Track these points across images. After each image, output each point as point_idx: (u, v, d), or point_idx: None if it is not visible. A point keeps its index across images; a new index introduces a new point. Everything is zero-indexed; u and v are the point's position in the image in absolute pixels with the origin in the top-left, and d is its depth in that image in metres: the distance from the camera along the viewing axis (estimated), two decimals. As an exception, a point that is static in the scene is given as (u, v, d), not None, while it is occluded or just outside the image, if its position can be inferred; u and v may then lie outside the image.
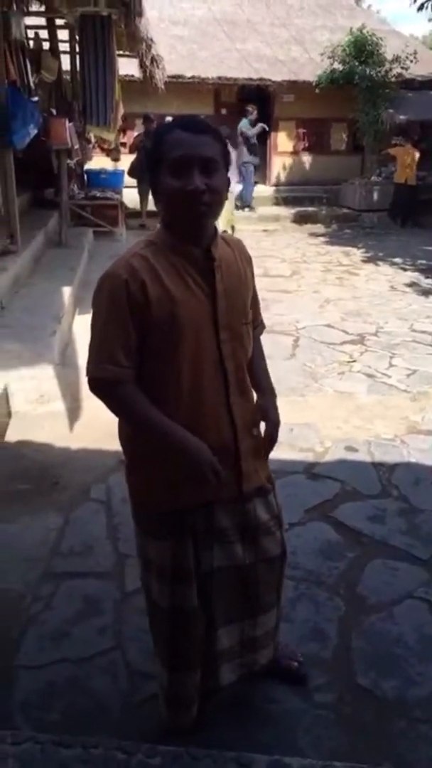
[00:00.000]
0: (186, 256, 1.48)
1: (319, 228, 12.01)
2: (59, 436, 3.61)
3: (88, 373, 1.49)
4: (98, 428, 3.68)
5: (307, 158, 14.05)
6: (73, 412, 3.80)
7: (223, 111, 13.61)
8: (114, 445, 3.40)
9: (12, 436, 3.61)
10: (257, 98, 13.22)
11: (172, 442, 1.48)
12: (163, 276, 1.44)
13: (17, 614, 2.31)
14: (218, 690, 1.80)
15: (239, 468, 1.61)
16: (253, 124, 11.67)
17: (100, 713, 1.93)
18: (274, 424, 1.74)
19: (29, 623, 2.28)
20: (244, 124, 11.63)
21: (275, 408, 1.77)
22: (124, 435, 1.66)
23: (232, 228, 9.27)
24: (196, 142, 1.41)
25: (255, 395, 1.73)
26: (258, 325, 1.77)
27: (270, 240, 10.62)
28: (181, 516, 1.58)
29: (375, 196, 12.67)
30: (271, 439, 1.73)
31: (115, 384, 1.46)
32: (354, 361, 5.12)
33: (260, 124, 11.75)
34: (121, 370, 1.45)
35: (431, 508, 3.05)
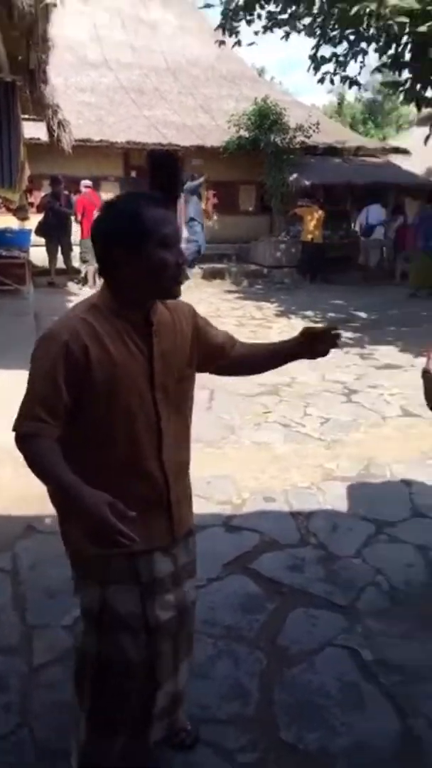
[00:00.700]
0: (128, 321, 1.54)
1: (230, 284, 12.40)
2: (-35, 503, 3.42)
3: (14, 427, 1.49)
4: (6, 495, 3.53)
5: (217, 218, 14.59)
6: (-20, 477, 3.62)
7: (133, 173, 13.98)
8: (23, 510, 3.33)
9: None
10: (167, 162, 13.69)
11: (69, 497, 1.45)
12: (106, 340, 1.49)
13: None
14: (144, 747, 1.73)
15: (171, 515, 1.65)
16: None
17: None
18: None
19: None
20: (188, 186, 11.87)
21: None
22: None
23: None
24: (173, 218, 1.54)
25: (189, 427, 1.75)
26: (234, 345, 1.83)
27: (183, 296, 10.79)
28: (126, 563, 1.58)
29: (283, 253, 13.27)
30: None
31: (31, 438, 1.47)
32: (269, 411, 5.21)
33: (201, 179, 12.00)
34: (42, 426, 1.46)
35: (348, 554, 3.09)
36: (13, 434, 1.49)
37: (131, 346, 1.53)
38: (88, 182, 11.31)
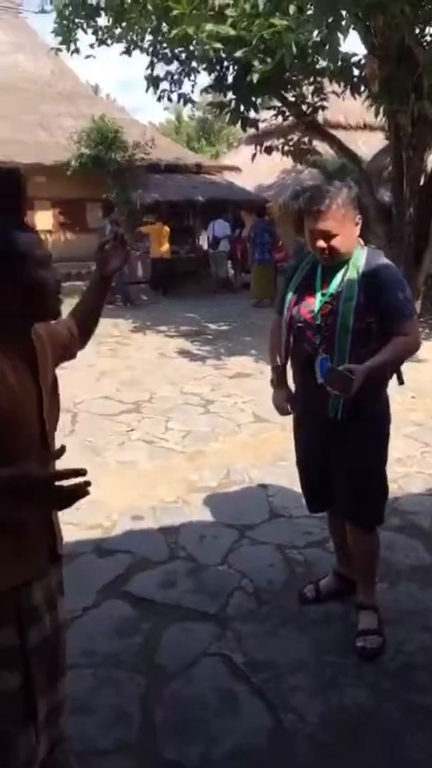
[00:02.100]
0: (17, 348, 1.54)
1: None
2: None
3: None
4: None
5: (65, 236, 14.36)
6: None
7: (-26, 192, 13.35)
8: None
9: None
10: (8, 180, 13.23)
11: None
12: (4, 369, 1.48)
13: None
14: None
15: (55, 537, 1.68)
16: None
17: None
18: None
19: None
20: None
21: None
22: None
23: None
24: (41, 241, 1.56)
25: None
26: (71, 325, 1.92)
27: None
28: (9, 599, 1.56)
29: (136, 269, 13.38)
30: None
31: None
32: (132, 429, 5.26)
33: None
34: None
35: (215, 562, 3.22)
36: None
37: (22, 374, 1.54)
38: None
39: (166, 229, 12.73)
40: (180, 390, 6.44)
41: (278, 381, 2.77)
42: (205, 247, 14.55)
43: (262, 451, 4.73)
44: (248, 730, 2.17)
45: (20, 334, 1.58)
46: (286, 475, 4.17)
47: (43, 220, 14.17)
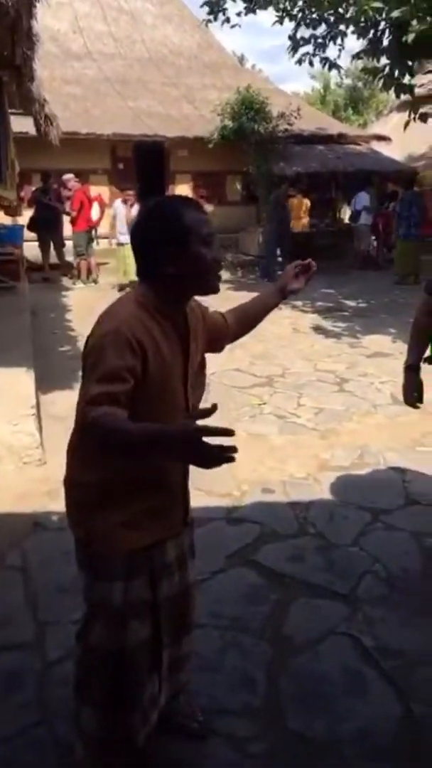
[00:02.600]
0: (170, 320, 1.62)
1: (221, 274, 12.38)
2: (-32, 503, 3.46)
3: (87, 415, 1.46)
4: (9, 492, 3.57)
5: (207, 213, 14.56)
6: (-18, 476, 3.65)
7: (120, 165, 13.90)
8: (28, 507, 3.38)
9: None
10: (153, 153, 13.63)
11: (162, 440, 1.42)
12: (157, 338, 1.56)
13: None
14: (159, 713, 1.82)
15: (186, 503, 1.78)
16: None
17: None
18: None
19: None
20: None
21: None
22: (89, 477, 1.64)
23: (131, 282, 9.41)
24: (209, 219, 1.65)
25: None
26: (227, 318, 1.95)
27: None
28: (144, 554, 1.67)
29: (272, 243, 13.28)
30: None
31: (103, 417, 1.44)
32: (264, 403, 5.27)
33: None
34: (118, 409, 1.46)
35: (346, 543, 3.16)
36: (84, 420, 1.47)
37: (174, 346, 1.62)
38: (69, 175, 11.26)
39: (306, 202, 12.45)
40: (314, 366, 6.34)
41: (415, 368, 2.63)
42: (346, 220, 14.11)
43: (400, 434, 4.55)
44: (376, 713, 2.13)
45: (177, 309, 1.65)
46: (426, 462, 3.98)
47: (183, 193, 14.46)
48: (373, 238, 13.57)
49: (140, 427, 1.44)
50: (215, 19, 10.41)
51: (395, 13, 7.10)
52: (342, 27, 9.64)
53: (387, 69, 8.73)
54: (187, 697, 2.06)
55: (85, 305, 8.46)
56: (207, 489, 3.58)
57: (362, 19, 8.09)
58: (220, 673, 2.29)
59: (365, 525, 3.33)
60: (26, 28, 4.91)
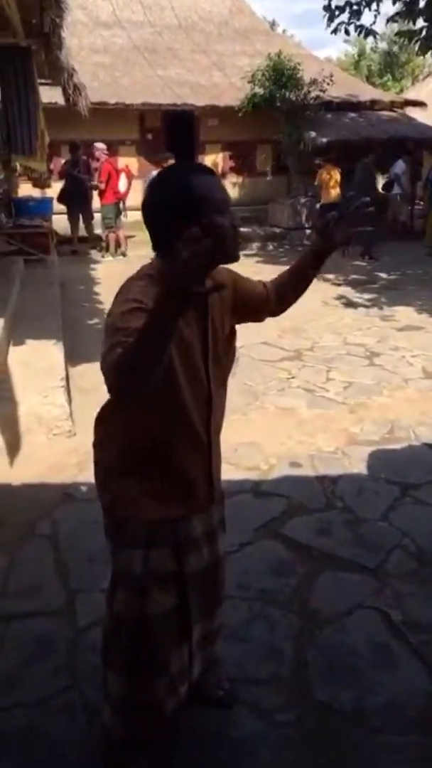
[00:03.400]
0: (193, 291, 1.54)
1: (250, 247, 12.24)
2: None
3: (110, 359, 1.36)
4: (39, 462, 3.63)
5: (234, 179, 14.34)
6: (13, 447, 3.71)
7: (149, 136, 13.74)
8: (58, 478, 3.43)
9: None
10: (183, 122, 13.43)
11: (162, 308, 1.30)
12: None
13: (-34, 663, 2.23)
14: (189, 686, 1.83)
15: (211, 479, 1.73)
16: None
17: (59, 757, 1.88)
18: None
19: (-21, 671, 2.20)
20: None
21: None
22: (114, 445, 1.67)
23: None
24: (222, 185, 1.56)
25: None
26: (269, 289, 1.87)
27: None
28: (167, 526, 1.67)
29: (303, 215, 13.05)
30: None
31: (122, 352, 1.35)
32: (293, 377, 5.23)
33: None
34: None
35: (374, 517, 3.14)
36: (103, 370, 1.37)
37: (189, 319, 1.56)
38: (101, 144, 11.15)
39: (336, 173, 12.11)
40: (343, 340, 6.26)
41: None
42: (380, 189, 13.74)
43: (431, 408, 4.47)
44: (404, 687, 2.12)
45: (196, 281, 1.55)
46: (457, 436, 3.92)
47: (213, 163, 14.24)
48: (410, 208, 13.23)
49: (145, 323, 1.29)
50: None
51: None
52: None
53: (424, 31, 8.41)
54: (215, 666, 2.07)
55: (113, 278, 8.40)
56: (235, 462, 3.59)
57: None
58: (248, 644, 2.31)
59: (394, 500, 3.30)
60: (55, -6, 4.83)
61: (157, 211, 1.51)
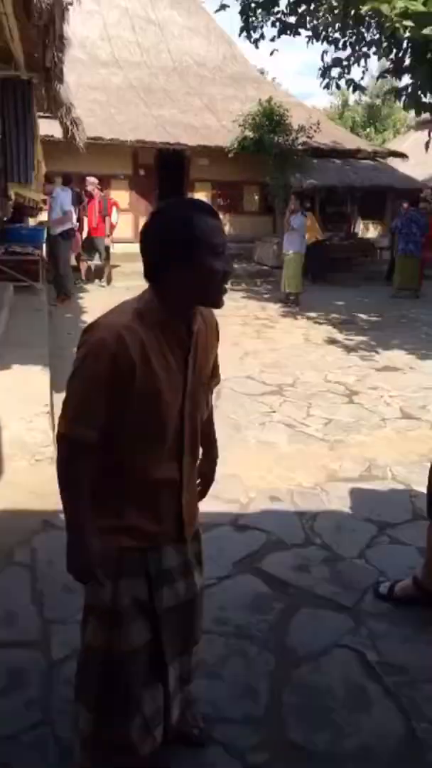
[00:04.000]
0: (172, 330, 1.57)
1: (234, 284, 12.43)
2: (-23, 498, 3.48)
3: (61, 428, 1.56)
4: (21, 488, 3.59)
5: (222, 218, 14.63)
6: (-7, 472, 3.68)
7: (141, 171, 14.02)
8: (38, 505, 3.39)
9: None
10: (174, 161, 13.76)
11: (73, 531, 1.62)
12: (150, 353, 1.51)
13: None
14: (167, 730, 1.78)
15: (181, 516, 1.71)
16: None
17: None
18: (207, 483, 2.01)
19: None
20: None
21: (213, 471, 2.03)
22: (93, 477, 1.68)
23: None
24: (222, 227, 1.56)
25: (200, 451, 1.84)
26: (214, 381, 1.88)
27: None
28: (136, 555, 1.65)
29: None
30: (203, 493, 1.99)
31: (81, 444, 1.54)
32: (274, 411, 5.28)
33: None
34: (91, 433, 1.53)
35: (352, 555, 3.15)
36: (58, 432, 1.56)
37: (170, 358, 1.56)
38: (93, 179, 11.34)
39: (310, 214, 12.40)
40: (324, 377, 6.34)
41: None
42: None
43: (408, 449, 4.54)
44: (378, 730, 2.11)
45: (180, 316, 1.58)
46: (434, 478, 3.97)
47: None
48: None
49: (73, 504, 1.60)
50: (256, 46, 10.64)
51: (426, 31, 7.13)
52: (365, 49, 9.77)
53: (410, 88, 8.80)
54: (190, 703, 2.05)
55: (99, 307, 8.51)
56: (214, 494, 3.55)
57: (384, 39, 8.16)
58: (223, 681, 2.28)
59: (371, 538, 3.32)
60: (58, 31, 4.99)
61: (155, 243, 1.52)
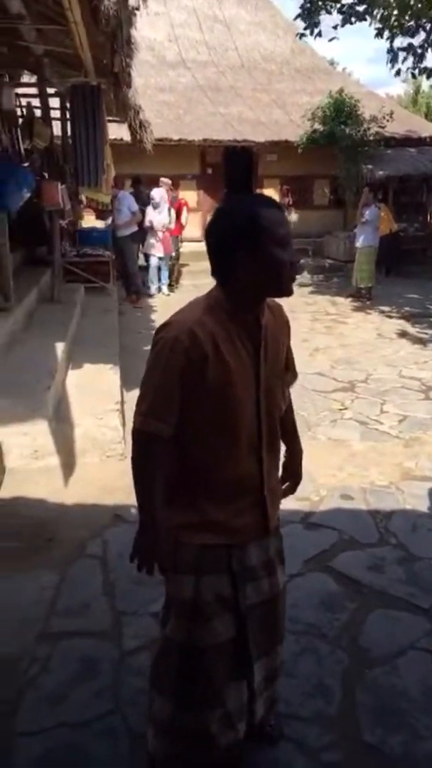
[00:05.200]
0: (242, 324, 1.59)
1: (306, 278, 12.27)
2: (53, 492, 3.58)
3: (136, 424, 1.59)
4: (93, 483, 3.68)
5: (292, 213, 14.49)
6: (68, 467, 3.78)
7: (209, 170, 14.08)
8: (109, 500, 3.47)
9: (6, 492, 3.58)
10: (242, 159, 13.73)
11: (146, 520, 1.63)
12: (221, 345, 1.54)
13: (14, 677, 2.25)
14: (252, 726, 1.80)
15: (266, 512, 1.72)
16: None
17: (100, 781, 1.87)
18: (296, 481, 2.02)
19: (26, 687, 2.22)
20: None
21: (299, 466, 2.01)
22: (173, 474, 1.70)
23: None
24: (287, 219, 1.59)
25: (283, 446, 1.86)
26: (291, 376, 1.88)
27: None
28: (220, 552, 1.67)
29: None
30: (292, 491, 2.01)
31: (156, 439, 1.57)
32: (346, 408, 5.17)
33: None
34: (162, 428, 1.56)
35: (430, 556, 3.04)
36: (133, 427, 1.59)
37: (242, 351, 1.58)
38: (167, 180, 11.47)
39: (384, 206, 12.00)
40: (398, 373, 6.15)
41: None
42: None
43: None
44: (457, 736, 2.02)
45: (249, 310, 1.60)
46: None
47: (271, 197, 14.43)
48: None
49: (147, 498, 1.62)
50: (311, 33, 10.36)
51: None
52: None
53: None
54: (273, 702, 2.02)
55: (169, 306, 8.63)
56: (285, 492, 3.54)
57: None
58: (295, 679, 2.25)
59: (451, 539, 3.19)
60: (126, 36, 5.07)
61: (221, 237, 1.53)
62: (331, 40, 10.11)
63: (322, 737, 2.02)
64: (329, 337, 7.70)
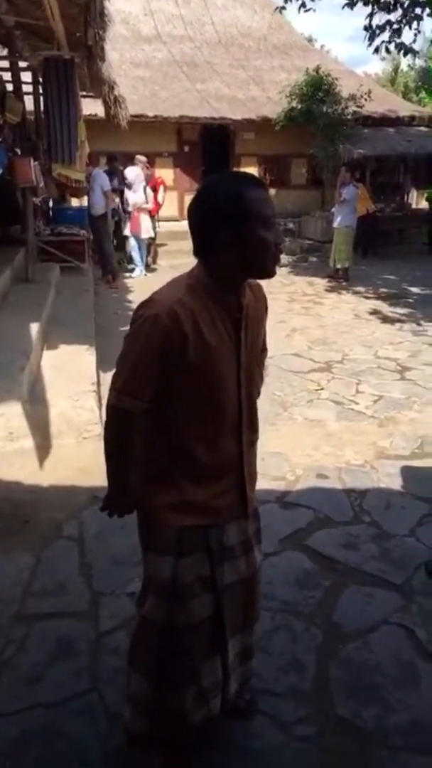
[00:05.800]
0: (223, 305, 1.57)
1: (283, 258, 12.23)
2: (29, 474, 3.56)
3: (111, 399, 1.59)
4: (69, 465, 3.66)
5: (269, 192, 14.41)
6: (44, 449, 3.76)
7: (186, 148, 13.90)
8: (86, 481, 3.46)
9: (-20, 475, 3.55)
10: (219, 136, 13.58)
11: (115, 486, 1.72)
12: (202, 325, 1.52)
13: (-11, 659, 2.25)
14: (225, 702, 1.83)
15: (244, 494, 1.73)
16: None
17: (77, 760, 1.89)
18: None
19: (2, 668, 2.22)
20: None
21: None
22: (145, 453, 1.69)
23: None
24: (271, 199, 1.55)
25: None
26: (264, 354, 1.87)
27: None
28: (199, 532, 1.67)
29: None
30: None
31: (129, 415, 1.58)
32: (322, 388, 5.20)
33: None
34: (137, 404, 1.56)
35: (402, 533, 3.09)
36: (108, 402, 1.60)
37: (223, 332, 1.57)
38: (143, 157, 11.31)
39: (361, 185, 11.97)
40: (374, 353, 6.20)
41: None
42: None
43: (463, 425, 4.40)
44: (428, 706, 2.08)
45: (231, 290, 1.58)
46: None
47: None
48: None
49: (117, 471, 1.69)
50: (292, 3, 10.16)
51: None
52: (418, 10, 9.29)
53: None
54: (247, 679, 2.05)
55: (146, 286, 8.55)
56: (261, 471, 3.54)
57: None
58: (270, 655, 2.28)
59: (423, 516, 3.25)
60: (99, 8, 4.95)
61: (205, 217, 1.50)
62: (307, 10, 9.74)
63: (296, 711, 2.06)
64: (306, 318, 7.72)
